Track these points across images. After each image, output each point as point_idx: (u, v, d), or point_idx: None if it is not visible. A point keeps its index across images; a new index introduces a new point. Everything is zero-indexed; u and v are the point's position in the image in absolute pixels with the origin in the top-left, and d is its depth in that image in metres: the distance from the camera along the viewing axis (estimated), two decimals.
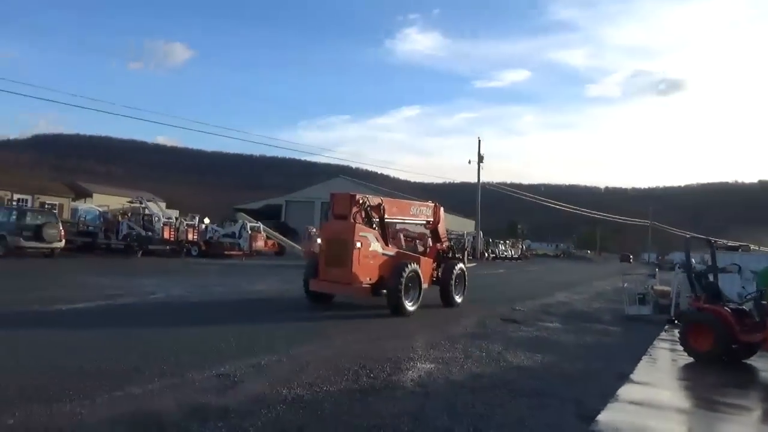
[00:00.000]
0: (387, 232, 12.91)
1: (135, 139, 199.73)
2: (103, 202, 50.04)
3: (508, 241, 66.78)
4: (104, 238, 24.84)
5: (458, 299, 13.48)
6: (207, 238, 31.20)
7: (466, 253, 18.47)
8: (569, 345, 9.76)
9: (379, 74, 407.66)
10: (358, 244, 11.17)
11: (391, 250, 12.34)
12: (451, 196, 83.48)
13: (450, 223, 56.07)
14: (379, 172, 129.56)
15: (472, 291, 14.89)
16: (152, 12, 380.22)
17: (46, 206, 31.72)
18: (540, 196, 73.86)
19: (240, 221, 30.40)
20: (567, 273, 40.02)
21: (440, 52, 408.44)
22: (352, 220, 11.47)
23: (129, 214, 30.36)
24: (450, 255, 14.55)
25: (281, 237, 32.70)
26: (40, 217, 19.94)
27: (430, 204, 14.69)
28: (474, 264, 30.03)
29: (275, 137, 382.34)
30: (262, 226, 30.84)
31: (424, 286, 12.16)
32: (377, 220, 12.16)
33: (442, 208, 14.84)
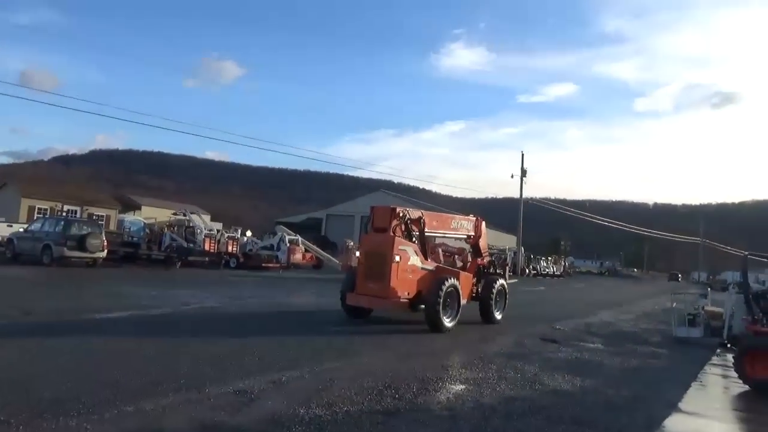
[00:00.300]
0: (427, 246, 12.61)
1: (186, 154, 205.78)
2: (150, 214, 51.63)
3: (550, 258, 65.14)
4: (146, 249, 25.30)
5: (498, 316, 13.09)
6: (247, 250, 31.59)
7: (507, 268, 17.84)
8: (612, 368, 9.16)
9: (424, 88, 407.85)
10: (397, 258, 10.84)
11: (431, 265, 12.00)
12: (494, 211, 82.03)
13: (492, 239, 55.32)
14: (420, 187, 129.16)
15: (512, 308, 14.34)
16: (208, 29, 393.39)
17: (93, 217, 32.69)
18: (585, 211, 71.92)
19: (278, 234, 30.56)
20: (612, 291, 38.64)
21: (485, 66, 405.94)
22: (391, 233, 11.18)
23: (174, 227, 31.05)
24: (491, 270, 14.17)
25: (319, 250, 32.69)
26: (84, 227, 20.46)
27: (472, 218, 14.26)
28: (515, 280, 29.29)
29: (321, 151, 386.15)
30: (300, 239, 30.91)
31: (463, 301, 11.87)
32: (417, 233, 11.85)
33: (483, 223, 14.48)
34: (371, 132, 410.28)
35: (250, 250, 30.13)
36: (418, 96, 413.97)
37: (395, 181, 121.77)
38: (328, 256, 32.31)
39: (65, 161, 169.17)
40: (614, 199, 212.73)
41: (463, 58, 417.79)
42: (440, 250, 34.29)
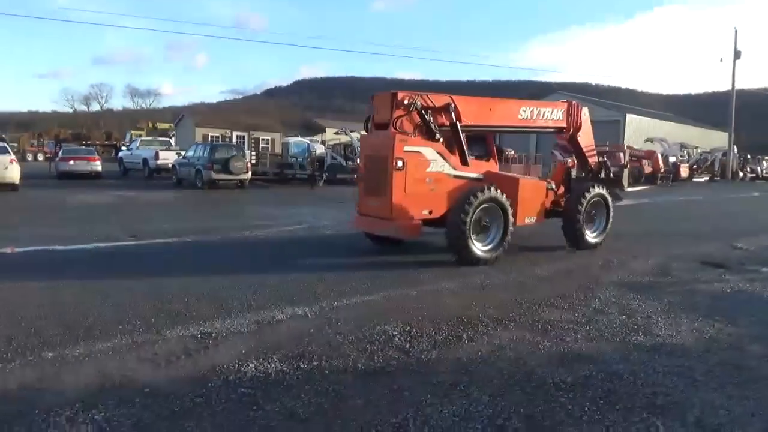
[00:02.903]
0: (466, 144, 8.95)
1: (377, 76, 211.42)
2: (335, 136, 53.82)
3: None
4: (299, 170, 25.79)
5: (593, 239, 9.48)
6: None
7: (626, 171, 13.00)
8: None
9: None
10: (399, 163, 7.68)
11: (474, 170, 8.61)
12: (714, 109, 69.24)
13: (695, 137, 47.07)
14: (624, 87, 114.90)
15: (691, 221, 11.22)
16: None
17: (252, 142, 34.72)
18: None
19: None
20: None
21: None
22: (393, 129, 7.83)
23: (334, 146, 31.54)
24: (602, 175, 10.50)
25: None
26: (229, 151, 21.36)
27: (562, 103, 10.18)
28: (722, 182, 23.88)
29: (508, 58, 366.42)
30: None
31: (529, 220, 8.96)
32: (448, 127, 8.38)
33: (585, 110, 10.29)
34: (561, 31, 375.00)
35: None
36: None
37: (593, 83, 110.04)
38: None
39: (271, 93, 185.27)
40: None
41: None
42: (622, 154, 29.46)
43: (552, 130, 10.12)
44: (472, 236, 7.81)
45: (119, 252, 8.70)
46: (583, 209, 9.18)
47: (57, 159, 26.72)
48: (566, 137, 10.17)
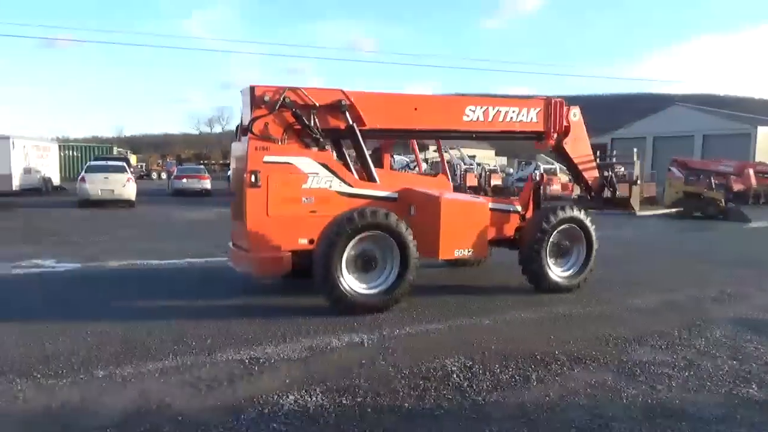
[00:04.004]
0: (382, 155, 7.88)
1: (485, 93, 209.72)
2: (435, 154, 53.65)
3: None
4: None
5: (564, 279, 7.19)
6: (509, 184, 30.08)
7: (637, 189, 8.38)
8: None
9: None
10: (255, 178, 6.02)
11: (383, 187, 6.75)
12: None
13: None
14: (757, 98, 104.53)
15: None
16: None
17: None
18: None
19: (533, 164, 27.97)
20: None
21: None
22: (253, 134, 6.11)
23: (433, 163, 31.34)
24: (605, 195, 8.30)
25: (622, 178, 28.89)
26: None
27: (538, 101, 7.72)
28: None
29: (622, 71, 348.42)
30: (559, 167, 27.67)
31: (461, 253, 6.75)
32: (343, 131, 6.63)
33: (575, 110, 7.93)
34: (684, 42, 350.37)
35: (505, 183, 28.40)
36: None
37: (720, 94, 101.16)
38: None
39: None
40: None
41: None
42: (750, 171, 25.50)
43: (521, 135, 7.90)
44: (344, 273, 5.86)
45: (210, 267, 8.92)
46: (544, 238, 6.93)
47: (173, 177, 28.76)
48: (547, 145, 7.93)
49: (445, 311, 6.19)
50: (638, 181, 8.39)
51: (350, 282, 5.92)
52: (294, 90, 6.29)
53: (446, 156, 29.78)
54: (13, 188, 23.42)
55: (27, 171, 24.89)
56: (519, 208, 7.64)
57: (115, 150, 47.47)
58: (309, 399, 3.84)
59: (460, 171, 28.78)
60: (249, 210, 6.10)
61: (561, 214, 7.07)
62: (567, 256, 7.35)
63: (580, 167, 8.15)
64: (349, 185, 6.52)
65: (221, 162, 60.87)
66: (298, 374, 4.28)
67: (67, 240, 11.73)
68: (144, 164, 57.39)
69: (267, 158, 6.12)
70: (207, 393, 3.94)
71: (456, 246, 6.69)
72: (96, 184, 19.58)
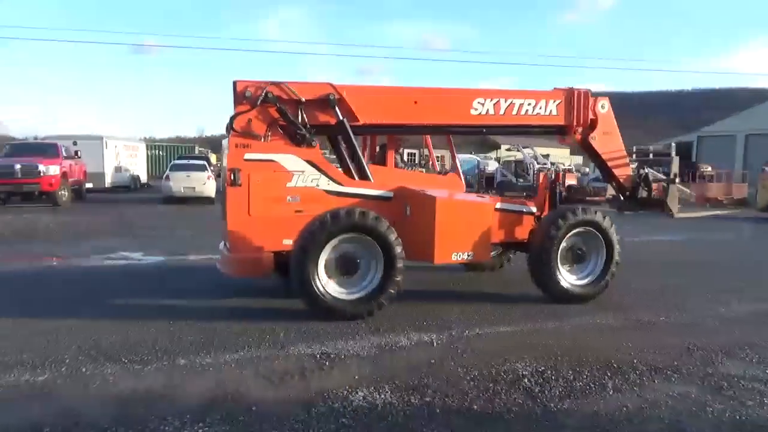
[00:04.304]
0: (386, 152, 7.49)
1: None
2: (508, 153, 52.62)
3: None
4: (466, 188, 25.45)
5: (579, 287, 6.59)
6: (585, 183, 28.98)
7: (674, 188, 7.41)
8: None
9: None
10: (235, 176, 5.83)
11: (376, 186, 6.42)
12: None
13: None
14: None
15: None
16: None
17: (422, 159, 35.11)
18: None
19: None
20: None
21: None
22: (234, 130, 5.98)
23: (514, 163, 30.75)
24: (641, 195, 7.50)
25: (661, 176, 27.35)
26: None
27: (558, 92, 7.10)
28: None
29: (709, 65, 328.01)
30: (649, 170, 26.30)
31: (459, 256, 6.26)
32: (333, 126, 6.32)
33: (604, 102, 7.29)
34: None
35: (580, 183, 27.35)
36: None
37: None
38: (681, 186, 26.71)
39: None
40: None
41: None
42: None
43: (540, 129, 7.43)
44: (320, 277, 5.59)
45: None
46: (554, 243, 6.36)
47: None
48: (573, 140, 7.35)
49: (513, 314, 6.06)
50: (676, 180, 7.55)
51: (328, 286, 5.64)
52: (278, 84, 6.06)
53: (519, 155, 29.33)
54: (106, 185, 25.15)
55: (118, 169, 26.65)
56: (533, 209, 7.11)
57: (197, 149, 49.76)
58: (378, 396, 3.87)
59: (533, 170, 28.09)
60: (230, 209, 5.91)
61: (574, 217, 6.43)
62: (584, 263, 6.72)
63: (610, 164, 7.46)
64: (339, 183, 6.20)
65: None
66: (367, 371, 4.32)
67: (153, 234, 12.44)
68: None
69: (248, 156, 5.88)
70: (279, 385, 4.06)
71: (453, 249, 6.22)
72: (179, 182, 20.67)
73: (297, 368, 4.36)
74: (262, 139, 6.01)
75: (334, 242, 5.62)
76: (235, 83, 5.99)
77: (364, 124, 6.44)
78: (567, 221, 6.41)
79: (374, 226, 5.62)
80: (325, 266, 5.67)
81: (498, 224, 6.74)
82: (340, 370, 4.34)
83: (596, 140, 7.31)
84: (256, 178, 5.89)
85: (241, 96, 5.95)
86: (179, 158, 31.08)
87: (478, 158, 32.86)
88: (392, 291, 5.73)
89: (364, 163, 6.56)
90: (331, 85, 6.24)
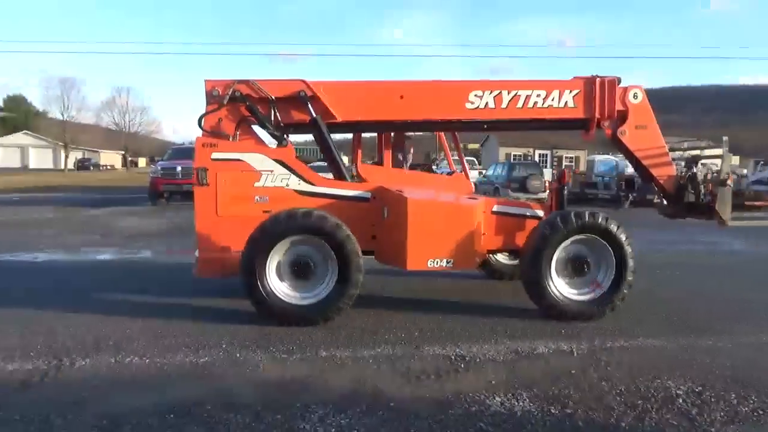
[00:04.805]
0: (356, 151, 7.28)
1: (709, 84, 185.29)
2: None
3: None
4: (604, 190, 24.07)
5: (578, 303, 5.73)
6: (744, 186, 26.15)
7: (726, 192, 6.03)
8: None
9: None
10: (201, 176, 5.79)
11: (352, 186, 6.14)
12: None
13: None
14: None
15: None
16: None
17: (555, 160, 33.60)
18: None
19: None
20: None
21: None
22: (203, 130, 5.97)
23: None
24: (688, 199, 6.39)
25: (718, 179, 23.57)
26: (526, 170, 21.15)
27: (576, 81, 6.36)
28: None
29: None
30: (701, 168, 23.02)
31: (436, 263, 5.75)
32: (310, 123, 6.08)
33: (635, 91, 6.37)
34: None
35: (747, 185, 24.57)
36: None
37: None
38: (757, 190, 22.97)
39: None
40: None
41: None
42: None
43: (555, 124, 6.60)
44: (270, 279, 5.42)
45: None
46: (544, 250, 5.59)
47: None
48: (592, 134, 6.48)
49: (658, 327, 5.59)
50: (729, 182, 6.24)
51: (278, 288, 5.47)
52: (246, 82, 5.92)
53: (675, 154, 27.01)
54: None
55: None
56: (539, 212, 6.42)
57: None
58: (516, 403, 3.78)
59: (683, 172, 25.78)
60: (197, 209, 5.88)
61: (575, 222, 5.60)
62: (587, 276, 5.84)
63: (645, 163, 6.46)
64: (310, 183, 5.97)
65: (421, 163, 63.41)
66: (503, 376, 4.24)
67: None
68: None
69: (215, 155, 5.82)
70: (416, 384, 4.11)
71: (429, 255, 5.75)
72: None
73: (432, 368, 4.39)
74: (231, 139, 5.97)
75: (283, 245, 5.45)
76: (205, 82, 5.97)
77: (344, 121, 6.19)
78: (567, 225, 5.59)
79: (325, 227, 5.35)
80: (277, 268, 5.51)
81: (494, 229, 6.19)
82: (475, 374, 4.31)
83: (626, 135, 6.38)
84: (223, 177, 5.82)
85: (209, 95, 5.92)
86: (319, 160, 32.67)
87: (617, 159, 30.66)
88: (346, 299, 5.41)
89: (340, 162, 6.33)
90: (304, 81, 6.04)
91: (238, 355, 4.67)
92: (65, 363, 4.47)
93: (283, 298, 5.44)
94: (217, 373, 4.30)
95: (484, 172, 25.21)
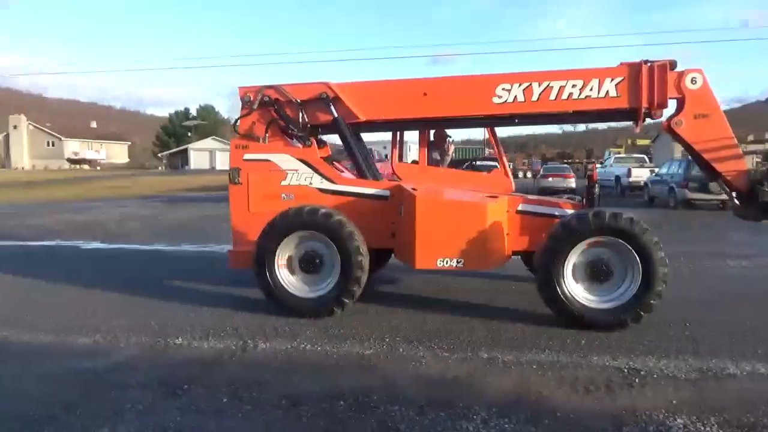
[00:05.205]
0: (393, 150, 7.35)
1: None
2: None
3: None
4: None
5: (605, 311, 5.21)
6: None
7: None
8: None
9: None
10: (235, 176, 6.28)
11: (374, 185, 6.22)
12: None
13: None
14: None
15: None
16: None
17: None
18: None
19: None
20: None
21: None
22: (237, 133, 6.38)
23: None
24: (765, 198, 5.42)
25: None
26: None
27: (620, 69, 5.72)
28: None
29: None
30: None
31: (446, 263, 5.58)
32: (329, 125, 6.29)
33: (693, 75, 5.55)
34: None
35: None
36: None
37: None
38: None
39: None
40: None
41: None
42: None
43: (599, 115, 6.12)
44: (279, 272, 5.75)
45: None
46: (557, 252, 5.19)
47: (539, 176, 29.65)
48: (641, 125, 5.86)
49: None
50: None
51: (287, 280, 5.80)
52: (273, 87, 6.23)
53: None
54: None
55: None
56: (569, 212, 5.80)
57: (486, 151, 51.57)
58: (702, 428, 3.40)
59: None
60: (232, 206, 6.35)
61: (595, 222, 5.10)
62: (608, 282, 5.29)
63: (707, 156, 5.68)
64: (332, 182, 6.19)
65: (584, 160, 60.06)
66: (687, 397, 3.83)
67: None
68: (511, 164, 60.75)
69: (247, 156, 6.27)
70: (584, 395, 3.90)
71: (438, 254, 5.62)
72: None
73: (602, 380, 4.13)
74: (261, 140, 6.28)
75: (292, 240, 5.75)
76: (238, 89, 6.39)
77: (368, 121, 6.24)
78: (584, 225, 5.15)
79: (324, 224, 5.61)
80: (288, 262, 5.83)
81: (520, 229, 5.91)
82: (653, 391, 3.95)
83: (683, 126, 5.66)
84: (254, 177, 6.26)
85: (243, 101, 6.33)
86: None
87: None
88: (349, 295, 5.61)
89: (360, 161, 6.38)
90: (326, 84, 6.21)
91: (401, 349, 4.81)
92: (249, 345, 4.97)
93: (289, 289, 5.78)
94: (381, 366, 4.47)
95: (656, 170, 23.00)
